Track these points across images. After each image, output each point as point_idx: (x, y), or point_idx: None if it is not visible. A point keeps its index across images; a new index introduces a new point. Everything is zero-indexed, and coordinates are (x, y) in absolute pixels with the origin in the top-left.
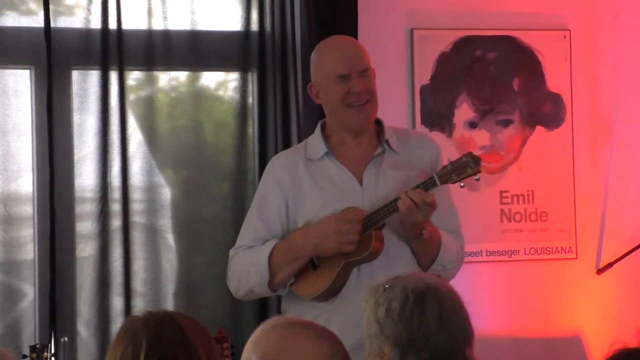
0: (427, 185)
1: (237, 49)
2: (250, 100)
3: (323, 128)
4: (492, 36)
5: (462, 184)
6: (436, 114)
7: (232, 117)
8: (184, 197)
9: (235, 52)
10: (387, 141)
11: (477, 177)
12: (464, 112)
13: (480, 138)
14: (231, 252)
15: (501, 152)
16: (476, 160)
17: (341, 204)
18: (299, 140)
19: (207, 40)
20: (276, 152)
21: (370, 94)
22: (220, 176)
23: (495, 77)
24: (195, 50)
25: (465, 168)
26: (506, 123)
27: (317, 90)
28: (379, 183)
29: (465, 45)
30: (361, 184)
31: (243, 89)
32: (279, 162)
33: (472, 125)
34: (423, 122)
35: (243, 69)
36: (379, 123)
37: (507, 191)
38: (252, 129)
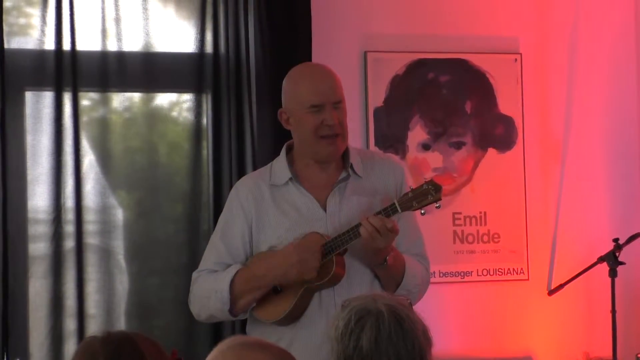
0: (388, 211)
1: (192, 70)
2: (204, 121)
3: (289, 151)
4: (444, 59)
5: (422, 211)
6: (390, 135)
7: (186, 139)
8: (137, 219)
9: (190, 73)
10: (351, 165)
11: (437, 205)
12: (417, 134)
13: (434, 160)
14: (194, 274)
15: (454, 174)
16: (437, 188)
17: (305, 230)
18: (254, 163)
19: (162, 61)
20: (230, 174)
21: (342, 127)
22: (174, 198)
23: (448, 99)
24: (149, 71)
25: (426, 195)
26: (459, 145)
27: (288, 117)
28: (342, 209)
29: (418, 67)
30: (325, 210)
31: (197, 110)
32: (243, 187)
33: (425, 147)
34: (377, 143)
35: (197, 90)
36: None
37: (460, 213)
38: (207, 151)
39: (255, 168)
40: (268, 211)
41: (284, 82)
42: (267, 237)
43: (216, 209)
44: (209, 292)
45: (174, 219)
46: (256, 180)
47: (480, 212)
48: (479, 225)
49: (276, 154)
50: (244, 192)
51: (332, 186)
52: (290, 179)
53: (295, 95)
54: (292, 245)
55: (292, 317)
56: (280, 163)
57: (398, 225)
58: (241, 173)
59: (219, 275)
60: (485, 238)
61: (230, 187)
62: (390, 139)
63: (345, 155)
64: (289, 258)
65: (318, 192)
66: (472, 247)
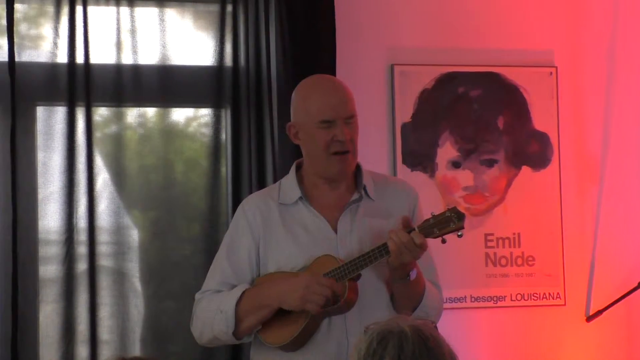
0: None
1: (210, 84)
2: (223, 137)
3: (298, 169)
4: (475, 72)
5: (443, 240)
6: (418, 153)
7: (203, 156)
8: (153, 239)
9: (208, 87)
10: (364, 187)
11: (459, 234)
12: (446, 151)
13: (464, 178)
14: (197, 295)
15: (485, 193)
16: (460, 216)
17: (314, 251)
18: (275, 180)
19: (179, 75)
20: (250, 192)
21: (353, 144)
22: (191, 218)
23: (479, 114)
24: (165, 85)
25: (448, 223)
26: (491, 163)
27: (297, 131)
28: (354, 231)
29: (448, 81)
30: (335, 232)
31: (216, 126)
32: (251, 204)
33: (455, 165)
34: (404, 161)
35: (216, 105)
36: (357, 167)
37: (492, 234)
38: (225, 168)
39: (276, 173)
40: (276, 231)
41: (293, 94)
42: (275, 258)
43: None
44: (213, 312)
45: (191, 239)
46: (264, 198)
47: (514, 234)
48: (513, 247)
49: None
50: (252, 210)
51: (344, 207)
52: (300, 198)
53: (306, 109)
54: (308, 274)
55: (299, 342)
56: (289, 181)
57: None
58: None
59: (224, 296)
60: (519, 261)
61: None
62: (419, 156)
63: (357, 176)
64: (298, 282)
65: (328, 213)
66: (506, 270)
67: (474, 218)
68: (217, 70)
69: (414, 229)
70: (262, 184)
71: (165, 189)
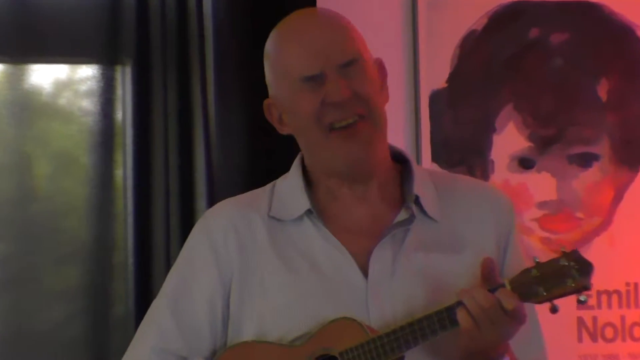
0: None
1: (97, 25)
2: (119, 116)
3: (305, 168)
4: (559, 2)
5: (554, 307)
6: (458, 142)
7: (85, 147)
8: (1, 294)
9: (93, 30)
10: (416, 198)
11: (582, 298)
12: (509, 138)
13: (539, 186)
14: None
15: (577, 213)
16: (584, 268)
17: (327, 309)
18: (210, 185)
19: (44, 13)
20: (167, 210)
21: (365, 101)
22: (65, 255)
23: (566, 76)
24: (21, 26)
25: (564, 279)
26: (586, 160)
27: (280, 112)
28: (397, 276)
29: (510, 19)
30: (365, 275)
31: (107, 95)
32: (220, 218)
33: (525, 163)
34: (435, 157)
35: (107, 59)
36: (400, 159)
37: (590, 284)
38: (123, 169)
39: (213, 193)
40: (263, 265)
41: (265, 51)
42: (256, 313)
43: (140, 274)
44: None
45: (66, 295)
46: (244, 210)
47: (627, 284)
48: (626, 308)
49: (251, 167)
50: (221, 229)
51: (380, 232)
52: (308, 212)
53: (282, 69)
54: (307, 348)
55: None
56: (290, 184)
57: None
58: (186, 207)
59: None
60: (638, 332)
61: (168, 234)
62: (460, 147)
63: (404, 176)
64: None
65: (354, 241)
66: (613, 347)
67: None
68: (111, 4)
69: (502, 285)
70: (186, 193)
71: (19, 206)
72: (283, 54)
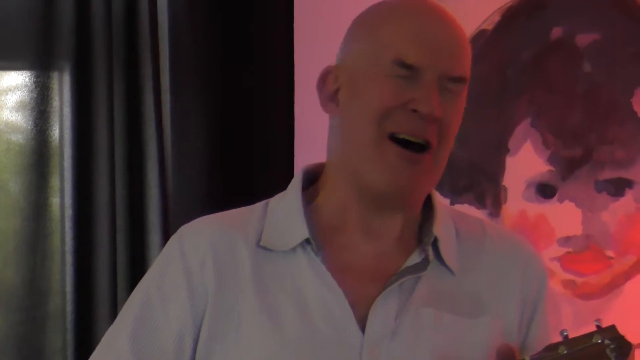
0: None
1: (27, 26)
2: (55, 132)
3: (309, 185)
4: None
5: None
6: (464, 164)
7: (14, 168)
8: None
9: (24, 32)
10: (435, 241)
11: None
12: (525, 161)
13: (561, 218)
14: None
15: (608, 252)
16: (623, 348)
17: None
18: (163, 217)
19: None
20: (112, 232)
21: (445, 133)
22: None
23: (595, 85)
24: None
25: (598, 358)
26: (618, 187)
27: (339, 86)
28: (399, 333)
29: (527, 17)
30: (363, 330)
31: (40, 107)
32: (198, 240)
33: (544, 190)
34: (438, 184)
35: (41, 65)
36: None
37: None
38: (61, 196)
39: (167, 226)
40: (241, 304)
41: (358, 22)
42: (227, 357)
43: (80, 325)
44: None
45: None
46: (227, 231)
47: None
48: None
49: (212, 194)
50: (199, 252)
51: (387, 278)
52: (305, 242)
53: (379, 41)
54: None
55: None
56: (287, 205)
57: None
58: (136, 243)
59: None
60: None
61: (114, 276)
62: (467, 171)
63: (426, 215)
64: None
65: (355, 284)
66: None
67: (582, 304)
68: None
69: None
70: (137, 230)
71: None
72: (391, 27)
